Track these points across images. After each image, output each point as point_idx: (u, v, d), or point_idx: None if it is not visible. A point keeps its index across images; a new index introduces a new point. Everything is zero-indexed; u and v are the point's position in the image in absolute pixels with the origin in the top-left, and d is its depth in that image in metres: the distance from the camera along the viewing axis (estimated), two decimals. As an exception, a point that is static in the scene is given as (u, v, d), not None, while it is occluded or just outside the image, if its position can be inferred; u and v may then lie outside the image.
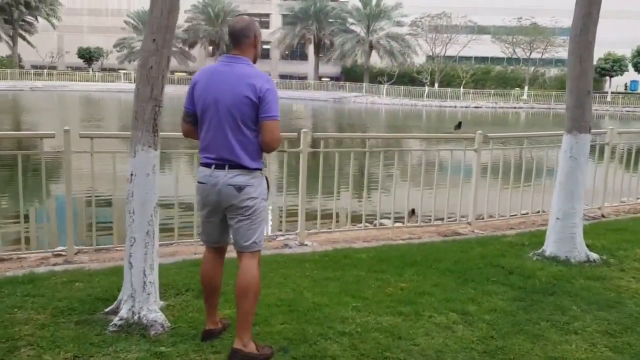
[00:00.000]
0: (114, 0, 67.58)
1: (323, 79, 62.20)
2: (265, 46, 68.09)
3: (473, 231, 6.63)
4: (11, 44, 59.25)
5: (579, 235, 5.21)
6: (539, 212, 7.36)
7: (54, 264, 4.81)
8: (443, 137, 8.20)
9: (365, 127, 29.34)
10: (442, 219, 6.75)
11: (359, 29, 59.86)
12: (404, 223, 6.82)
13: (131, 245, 3.56)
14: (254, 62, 3.20)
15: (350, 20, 60.59)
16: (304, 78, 65.17)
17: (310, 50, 65.49)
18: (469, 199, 6.64)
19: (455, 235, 6.41)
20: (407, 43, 57.68)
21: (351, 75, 62.03)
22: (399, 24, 57.52)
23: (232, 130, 3.06)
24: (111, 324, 3.44)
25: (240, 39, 3.14)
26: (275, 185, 6.46)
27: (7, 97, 39.99)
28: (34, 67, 60.49)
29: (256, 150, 3.11)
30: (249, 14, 65.40)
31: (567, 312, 4.00)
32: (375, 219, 7.00)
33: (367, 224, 6.83)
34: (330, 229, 6.24)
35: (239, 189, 3.06)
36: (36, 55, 61.84)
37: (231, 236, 3.25)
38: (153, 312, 3.51)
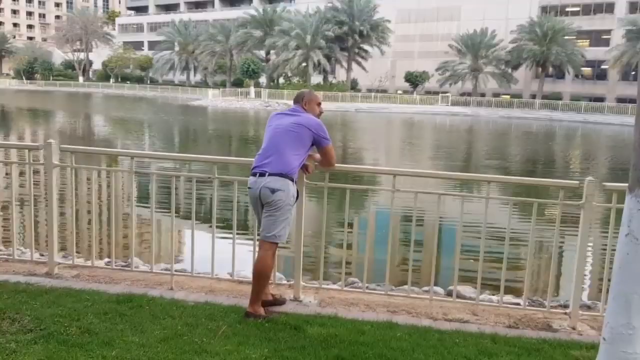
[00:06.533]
0: (444, 25, 69.27)
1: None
2: (603, 66, 60.64)
3: (573, 328, 4.33)
4: (347, 69, 66.47)
5: (645, 378, 2.78)
6: None
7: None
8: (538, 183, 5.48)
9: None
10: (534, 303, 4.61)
11: None
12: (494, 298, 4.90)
13: None
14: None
15: None
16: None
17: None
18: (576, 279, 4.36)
19: (543, 330, 4.27)
20: None
21: None
22: None
23: (281, 151, 4.12)
24: None
25: (297, 101, 4.41)
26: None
27: (336, 117, 44.24)
28: (369, 90, 66.55)
29: (290, 165, 4.06)
30: (584, 31, 60.15)
31: None
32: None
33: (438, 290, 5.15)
34: (335, 286, 4.85)
35: (272, 191, 4.00)
36: (370, 79, 68.19)
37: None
38: None
